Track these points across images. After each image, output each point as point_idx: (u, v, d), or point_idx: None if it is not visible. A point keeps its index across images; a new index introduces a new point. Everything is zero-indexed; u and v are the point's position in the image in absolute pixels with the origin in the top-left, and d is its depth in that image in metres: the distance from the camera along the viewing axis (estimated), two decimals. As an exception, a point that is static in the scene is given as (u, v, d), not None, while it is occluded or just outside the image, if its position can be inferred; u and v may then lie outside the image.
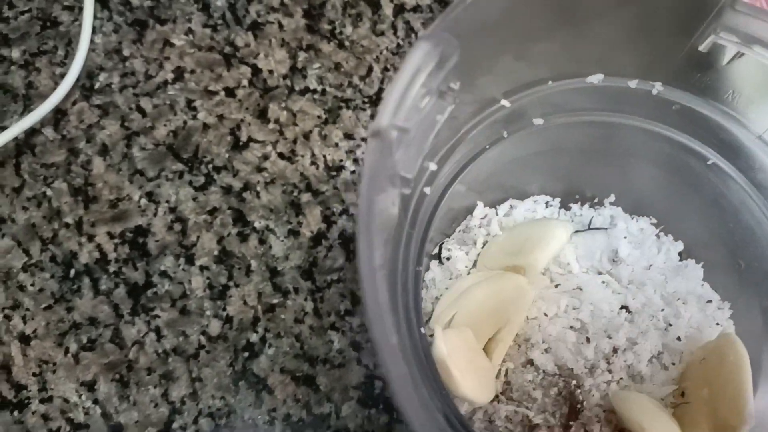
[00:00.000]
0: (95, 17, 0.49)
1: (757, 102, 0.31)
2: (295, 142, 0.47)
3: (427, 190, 0.30)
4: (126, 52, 0.49)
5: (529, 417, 0.32)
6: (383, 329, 0.21)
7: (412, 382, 0.27)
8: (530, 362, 0.34)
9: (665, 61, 0.32)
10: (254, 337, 0.43)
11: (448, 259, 0.38)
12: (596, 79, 0.32)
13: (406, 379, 0.21)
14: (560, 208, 0.39)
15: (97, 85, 0.47)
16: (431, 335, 0.34)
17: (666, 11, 0.31)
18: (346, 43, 0.50)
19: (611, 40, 0.31)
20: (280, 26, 0.50)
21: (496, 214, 0.39)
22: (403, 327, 0.29)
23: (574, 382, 0.33)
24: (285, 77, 0.49)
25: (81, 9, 0.48)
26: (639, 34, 0.31)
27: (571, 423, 0.32)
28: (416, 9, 0.51)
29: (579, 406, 0.32)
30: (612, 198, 0.39)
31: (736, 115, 0.32)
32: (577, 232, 0.38)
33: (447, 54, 0.25)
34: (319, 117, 0.48)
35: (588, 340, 0.34)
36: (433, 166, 0.30)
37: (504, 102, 0.31)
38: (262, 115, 0.48)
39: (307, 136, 0.47)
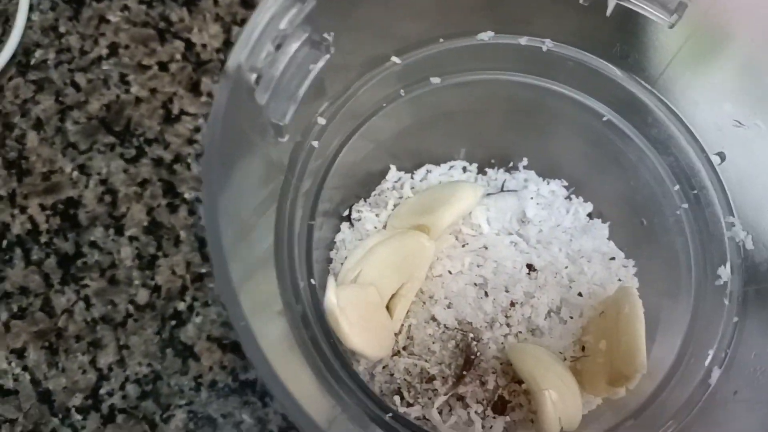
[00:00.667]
0: (33, -5, 0.50)
1: (645, 53, 0.31)
2: (227, 115, 0.48)
3: (315, 143, 0.30)
4: (62, 29, 0.47)
5: (426, 369, 0.33)
6: (224, 275, 0.21)
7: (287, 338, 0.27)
8: (432, 318, 0.34)
9: (553, 17, 0.31)
10: (182, 306, 0.41)
11: (358, 220, 0.36)
12: (486, 36, 0.31)
13: (249, 331, 0.21)
14: (477, 173, 0.40)
15: (32, 62, 0.46)
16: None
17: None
18: None
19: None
20: (215, 2, 0.49)
21: (412, 178, 0.39)
22: (287, 278, 0.29)
23: (471, 335, 0.33)
24: (218, 51, 0.48)
25: None
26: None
27: (465, 373, 0.32)
28: (351, -16, 0.51)
29: (474, 357, 0.32)
30: (525, 162, 0.38)
31: (626, 69, 0.31)
32: (489, 194, 0.39)
33: (306, -1, 0.25)
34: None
35: (486, 294, 0.34)
36: (321, 120, 0.30)
37: (395, 59, 0.31)
38: (194, 88, 0.46)
39: (239, 109, 0.48)
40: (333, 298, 0.29)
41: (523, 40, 0.31)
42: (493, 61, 0.32)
